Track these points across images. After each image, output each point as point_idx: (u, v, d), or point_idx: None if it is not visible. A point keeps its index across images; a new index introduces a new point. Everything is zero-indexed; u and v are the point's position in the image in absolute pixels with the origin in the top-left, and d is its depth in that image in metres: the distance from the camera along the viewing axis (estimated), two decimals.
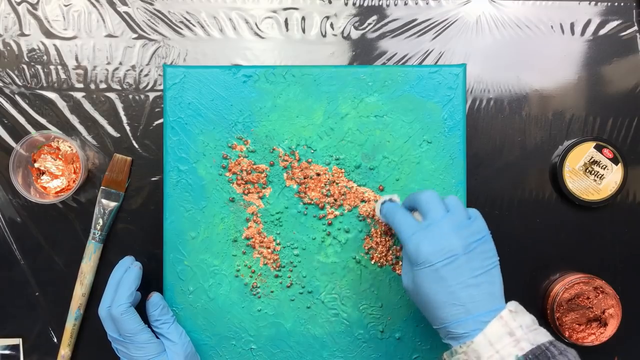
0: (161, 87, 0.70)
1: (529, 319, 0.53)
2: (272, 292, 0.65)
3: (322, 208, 0.65)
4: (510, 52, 0.71)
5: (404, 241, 0.55)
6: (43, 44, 0.70)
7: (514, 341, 0.50)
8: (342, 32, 0.71)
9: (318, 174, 0.65)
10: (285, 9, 0.71)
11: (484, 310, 0.52)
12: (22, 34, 0.70)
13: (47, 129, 0.70)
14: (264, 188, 0.65)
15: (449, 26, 0.71)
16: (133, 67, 0.70)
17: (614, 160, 0.69)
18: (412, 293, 0.55)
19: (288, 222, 0.65)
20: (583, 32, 0.71)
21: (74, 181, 0.68)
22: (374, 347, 0.65)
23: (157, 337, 0.62)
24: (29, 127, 0.70)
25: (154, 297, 0.63)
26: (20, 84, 0.70)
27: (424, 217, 0.55)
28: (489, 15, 0.71)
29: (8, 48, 0.70)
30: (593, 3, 0.71)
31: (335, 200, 0.65)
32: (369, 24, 0.71)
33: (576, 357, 0.52)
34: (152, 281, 0.69)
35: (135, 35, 0.70)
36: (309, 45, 0.71)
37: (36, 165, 0.69)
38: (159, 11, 0.70)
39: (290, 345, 0.65)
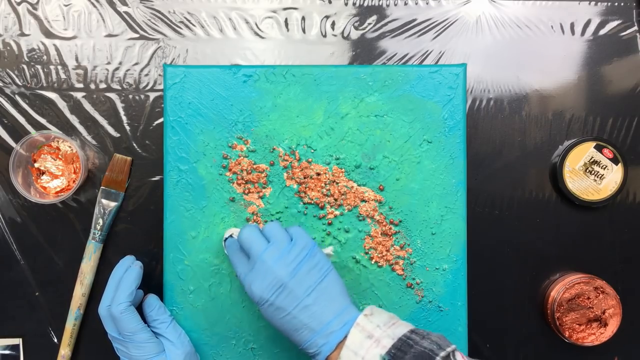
0: (161, 87, 0.70)
1: (386, 316, 0.54)
2: None
3: (322, 208, 0.65)
4: (510, 52, 0.71)
5: (241, 283, 0.57)
6: (43, 44, 0.70)
7: (374, 342, 0.51)
8: (342, 32, 0.71)
9: (318, 174, 0.65)
10: (285, 9, 0.71)
11: (327, 320, 0.54)
12: (22, 34, 0.70)
13: (47, 129, 0.70)
14: (264, 188, 0.65)
15: (449, 26, 0.71)
16: (133, 67, 0.70)
17: (614, 160, 0.69)
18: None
19: (288, 221, 0.65)
20: (583, 32, 0.71)
21: (74, 181, 0.68)
22: None
23: (157, 337, 0.62)
24: (29, 127, 0.70)
25: (149, 298, 0.64)
26: (20, 84, 0.70)
27: (248, 257, 0.57)
28: (489, 15, 0.71)
29: (8, 48, 0.70)
30: (593, 3, 0.71)
31: (335, 200, 0.65)
32: (369, 24, 0.71)
33: (441, 338, 0.52)
34: (152, 281, 0.69)
35: (135, 35, 0.70)
36: (309, 45, 0.71)
37: (36, 165, 0.69)
38: (159, 11, 0.70)
39: (291, 344, 0.65)
